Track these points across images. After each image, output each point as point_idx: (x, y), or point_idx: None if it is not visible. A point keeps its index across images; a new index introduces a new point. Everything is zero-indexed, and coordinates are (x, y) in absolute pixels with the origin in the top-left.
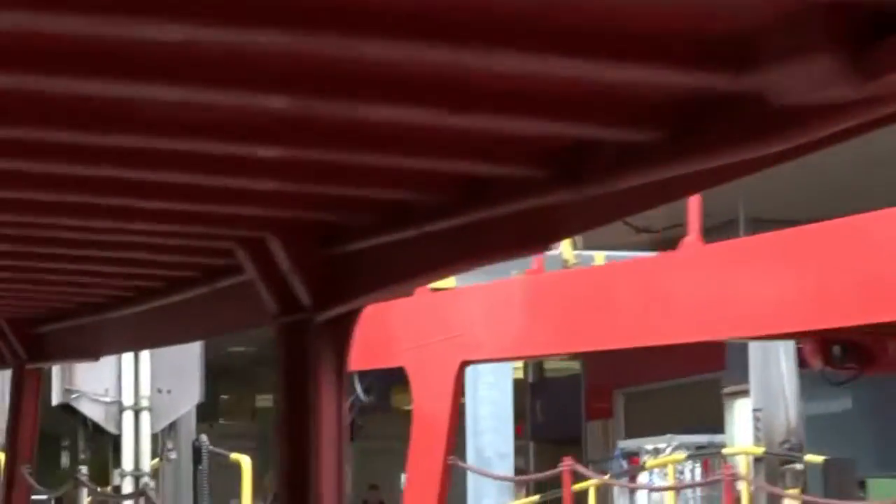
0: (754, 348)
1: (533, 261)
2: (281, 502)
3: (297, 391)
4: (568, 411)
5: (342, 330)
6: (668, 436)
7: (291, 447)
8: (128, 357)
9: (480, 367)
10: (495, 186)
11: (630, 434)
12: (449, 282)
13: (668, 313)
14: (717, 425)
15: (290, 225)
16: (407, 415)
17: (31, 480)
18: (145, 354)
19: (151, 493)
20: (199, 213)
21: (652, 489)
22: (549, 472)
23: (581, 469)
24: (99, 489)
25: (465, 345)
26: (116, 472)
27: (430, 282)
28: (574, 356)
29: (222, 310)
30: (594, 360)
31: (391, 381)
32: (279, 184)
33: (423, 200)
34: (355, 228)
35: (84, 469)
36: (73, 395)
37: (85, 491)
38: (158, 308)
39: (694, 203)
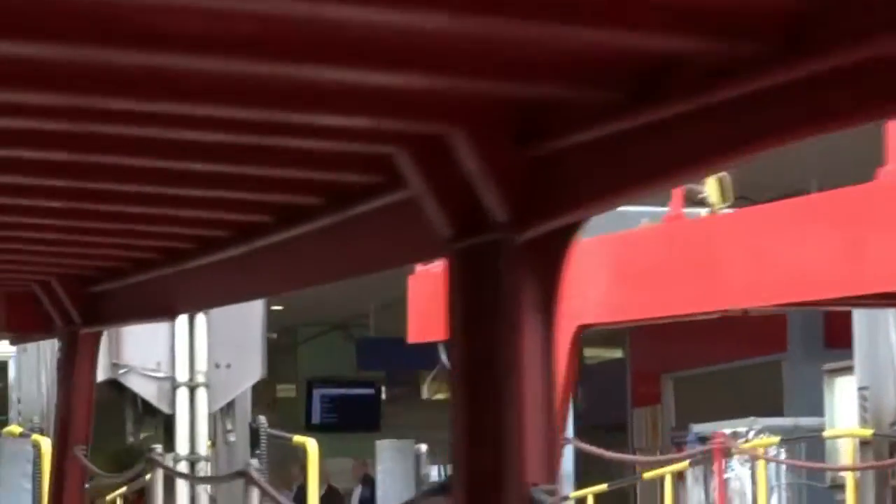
0: (859, 318)
1: (670, 207)
2: (460, 495)
3: (489, 338)
4: (612, 398)
5: (553, 254)
6: (751, 418)
7: (480, 418)
8: (182, 328)
9: None
10: (831, 22)
11: (680, 421)
12: None
13: (861, 260)
14: (777, 411)
15: (478, 112)
16: (437, 404)
17: (88, 463)
18: (201, 325)
19: (255, 474)
20: (343, 96)
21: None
22: (699, 449)
23: (735, 447)
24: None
25: (583, 307)
26: (170, 455)
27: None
28: (617, 342)
29: (357, 244)
30: (640, 345)
31: (418, 366)
32: (461, 26)
33: (694, 55)
34: (575, 112)
35: (159, 448)
36: (122, 371)
37: (160, 473)
38: (261, 249)
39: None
